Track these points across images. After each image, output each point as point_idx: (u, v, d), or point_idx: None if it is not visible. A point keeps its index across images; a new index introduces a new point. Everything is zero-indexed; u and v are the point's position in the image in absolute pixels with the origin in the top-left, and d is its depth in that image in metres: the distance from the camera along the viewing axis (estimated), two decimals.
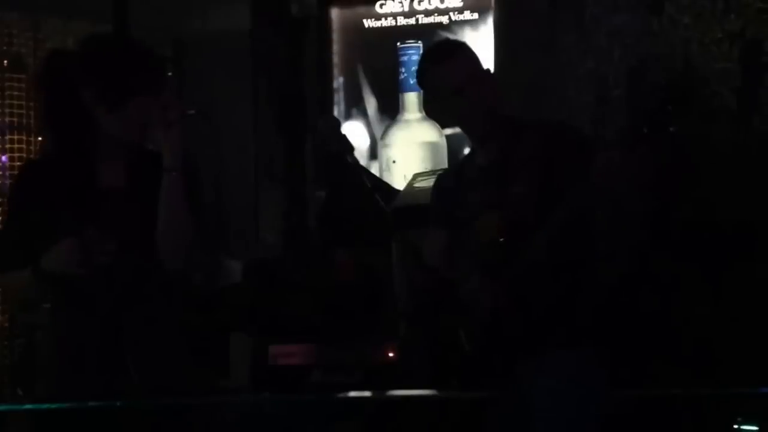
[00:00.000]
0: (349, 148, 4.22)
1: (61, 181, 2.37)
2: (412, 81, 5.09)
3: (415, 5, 5.17)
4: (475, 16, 5.07)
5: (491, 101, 2.77)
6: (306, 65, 5.41)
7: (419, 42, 5.03)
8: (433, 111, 3.26)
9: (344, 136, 4.33)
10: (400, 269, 3.91)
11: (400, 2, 5.19)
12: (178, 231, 2.39)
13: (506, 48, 4.74)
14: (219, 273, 4.51)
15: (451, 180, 2.95)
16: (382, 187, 4.56)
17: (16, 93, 5.30)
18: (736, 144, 4.04)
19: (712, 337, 3.66)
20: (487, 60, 5.03)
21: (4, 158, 5.23)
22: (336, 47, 5.35)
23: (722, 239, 3.76)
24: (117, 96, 2.36)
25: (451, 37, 5.05)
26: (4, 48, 5.25)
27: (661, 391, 3.35)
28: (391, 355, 3.87)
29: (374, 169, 5.01)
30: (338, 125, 4.38)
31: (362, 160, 4.99)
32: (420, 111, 5.01)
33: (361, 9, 5.30)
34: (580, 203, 2.54)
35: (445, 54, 2.82)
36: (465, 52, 2.85)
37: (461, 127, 2.91)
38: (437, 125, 4.93)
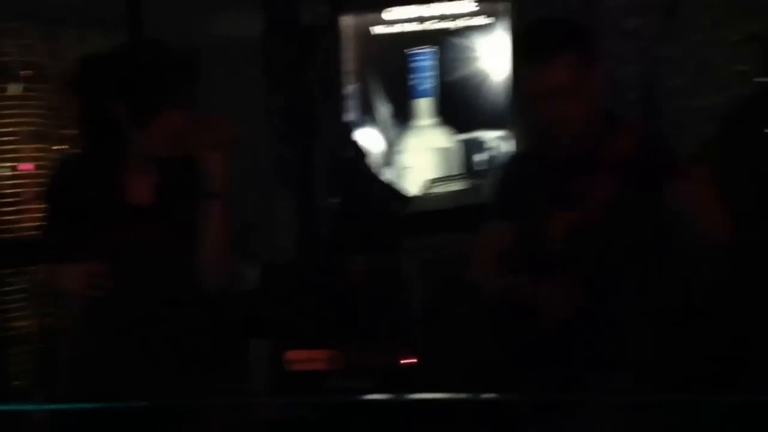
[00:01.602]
0: (362, 154, 4.27)
1: (90, 186, 2.35)
2: (423, 87, 5.15)
3: (425, 11, 5.21)
4: (491, 20, 5.08)
5: (597, 99, 2.41)
6: (317, 72, 5.46)
7: (429, 48, 5.08)
8: (528, 113, 2.68)
9: (356, 142, 4.39)
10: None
11: (410, 8, 5.23)
12: (224, 255, 2.35)
13: None
14: (236, 279, 4.57)
15: (524, 173, 2.61)
16: (395, 193, 4.61)
17: (35, 102, 5.36)
18: None
19: None
20: (500, 67, 5.07)
21: (28, 166, 5.29)
22: (347, 54, 5.40)
23: None
24: (145, 111, 2.31)
25: (465, 42, 5.08)
26: (24, 58, 5.31)
27: None
28: (405, 359, 3.91)
29: (387, 176, 5.06)
30: (350, 132, 4.43)
31: (375, 166, 5.05)
32: (432, 116, 5.06)
33: (371, 16, 5.35)
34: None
35: (550, 52, 2.36)
36: (573, 44, 2.39)
37: (557, 128, 2.45)
38: (450, 131, 4.98)
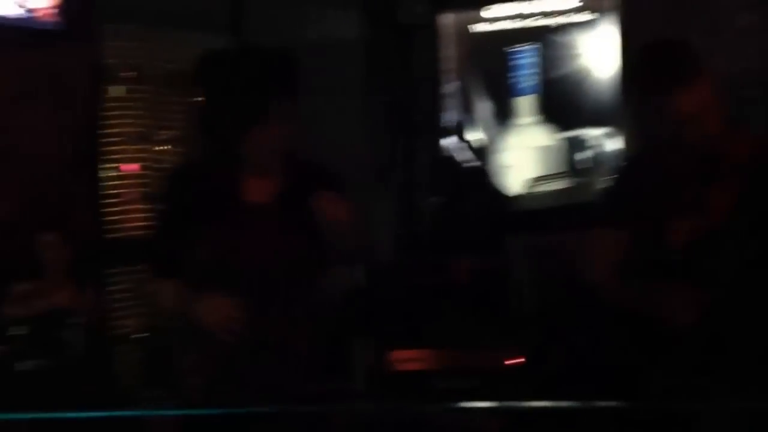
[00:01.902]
0: (463, 153, 4.22)
1: (206, 191, 2.36)
2: (525, 84, 5.07)
3: (526, 8, 5.13)
4: (595, 16, 4.97)
5: (719, 124, 2.40)
6: (416, 72, 5.44)
7: (531, 45, 5.00)
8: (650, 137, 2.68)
9: (457, 141, 4.34)
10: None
11: (512, 5, 5.16)
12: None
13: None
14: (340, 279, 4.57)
15: (642, 179, 2.56)
16: (497, 192, 4.55)
17: (140, 104, 5.46)
18: None
19: None
20: (602, 65, 4.96)
21: (132, 167, 5.39)
22: (446, 53, 5.35)
23: None
24: (249, 115, 2.30)
25: (568, 39, 4.99)
26: (127, 60, 5.41)
27: None
28: (509, 360, 3.85)
29: (489, 175, 5.00)
30: (451, 131, 4.39)
31: (476, 165, 4.99)
32: (533, 114, 4.99)
33: (470, 14, 5.30)
34: None
35: (676, 80, 2.35)
36: (701, 63, 2.39)
37: (689, 142, 2.42)
38: (552, 129, 4.90)
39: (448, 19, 5.32)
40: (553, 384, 3.51)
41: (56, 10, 4.80)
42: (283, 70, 2.36)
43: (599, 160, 4.98)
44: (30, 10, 4.74)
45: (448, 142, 5.03)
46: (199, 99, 2.37)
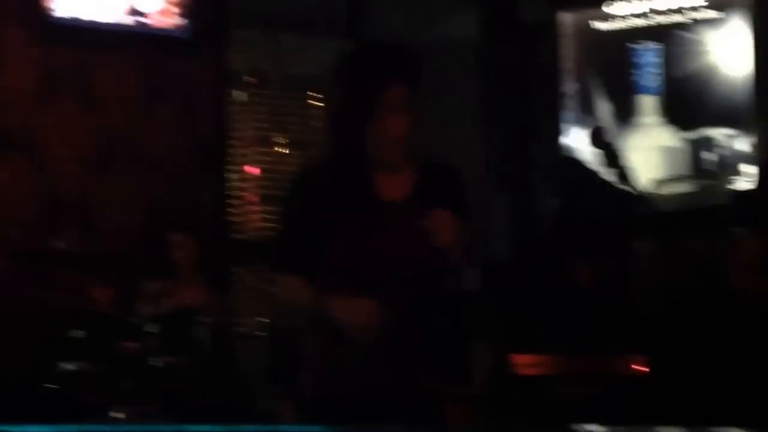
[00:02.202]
0: (618, 157, 4.11)
1: (337, 189, 2.37)
2: (648, 83, 4.97)
3: (650, 5, 5.02)
4: (721, 15, 4.82)
5: None
6: (536, 70, 5.39)
7: (654, 43, 4.90)
8: None
9: (611, 144, 4.25)
10: None
11: (634, 3, 5.06)
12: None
13: None
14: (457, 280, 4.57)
15: None
16: (620, 193, 4.47)
17: (262, 108, 5.59)
18: None
19: None
20: (730, 63, 4.82)
21: (254, 170, 5.52)
22: (566, 51, 5.28)
23: None
24: (360, 116, 2.32)
25: (693, 37, 4.85)
26: (250, 65, 5.55)
27: None
28: (636, 366, 3.78)
29: (610, 176, 4.91)
30: (605, 133, 4.31)
31: (596, 165, 4.91)
32: (657, 114, 4.88)
33: (592, 11, 5.21)
34: None
35: None
36: None
37: None
38: (676, 129, 4.78)
39: (569, 18, 5.25)
40: (679, 393, 3.43)
41: (185, 19, 4.96)
42: (404, 61, 2.38)
43: (725, 162, 4.83)
44: (161, 19, 4.92)
45: (569, 142, 4.96)
46: (326, 98, 2.41)
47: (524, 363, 3.91)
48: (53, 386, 4.02)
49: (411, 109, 2.35)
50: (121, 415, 3.91)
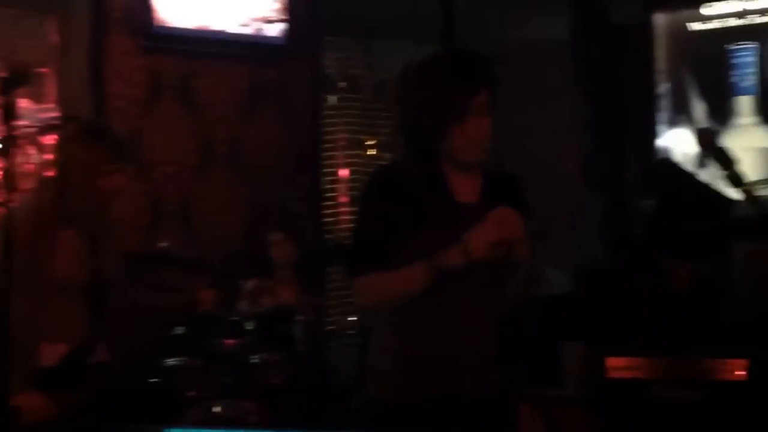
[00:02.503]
0: (730, 160, 4.04)
1: (414, 190, 2.41)
2: (745, 84, 4.90)
3: (746, 5, 4.95)
4: None
5: None
6: (629, 72, 5.36)
7: (751, 43, 4.83)
8: None
9: (722, 147, 4.18)
10: None
11: (729, 2, 4.99)
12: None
13: None
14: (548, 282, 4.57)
15: None
16: (716, 195, 4.42)
17: (353, 112, 5.70)
18: None
19: None
20: None
21: (344, 173, 5.64)
22: (660, 52, 5.24)
23: None
24: (437, 127, 2.39)
25: None
26: (341, 71, 5.66)
27: None
28: (737, 371, 3.71)
29: (705, 177, 4.86)
30: (715, 136, 4.25)
31: (691, 167, 4.86)
32: (754, 115, 4.80)
33: (687, 12, 5.16)
34: None
35: None
36: None
37: None
38: None
39: (663, 18, 5.21)
40: None
41: (282, 26, 5.09)
42: (489, 67, 2.44)
43: None
44: (259, 27, 5.06)
45: (663, 143, 4.93)
46: (404, 100, 2.46)
47: (618, 366, 3.88)
48: (157, 381, 4.17)
49: (486, 111, 2.41)
50: (218, 410, 4.02)
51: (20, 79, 2.18)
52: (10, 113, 2.06)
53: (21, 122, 2.13)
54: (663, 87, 5.20)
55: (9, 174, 2.25)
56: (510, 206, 2.36)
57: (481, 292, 2.44)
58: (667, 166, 4.59)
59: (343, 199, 5.70)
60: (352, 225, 5.53)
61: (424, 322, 2.43)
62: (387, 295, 2.42)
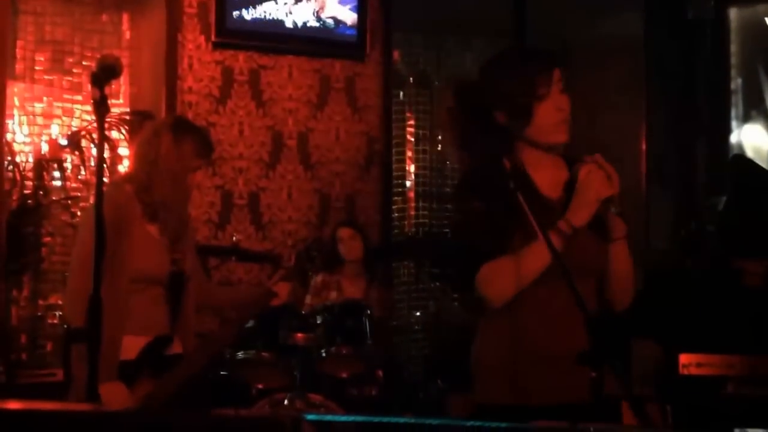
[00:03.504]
0: (756, 152, 4.00)
1: (505, 190, 2.36)
2: None
3: None
4: None
5: None
6: (701, 67, 5.28)
7: None
8: None
9: (744, 139, 4.14)
10: None
11: None
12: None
13: None
14: None
15: None
16: None
17: (422, 107, 5.70)
18: None
19: None
20: None
21: (412, 168, 5.63)
22: (734, 48, 5.15)
23: None
24: (523, 107, 2.37)
25: None
26: (411, 66, 5.66)
27: None
28: None
29: None
30: (737, 128, 4.19)
31: (763, 163, 4.77)
32: None
33: (763, 7, 5.06)
34: None
35: None
36: None
37: None
38: None
39: (737, 13, 5.12)
40: None
41: (353, 23, 5.12)
42: (549, 50, 2.47)
43: None
44: (330, 23, 5.10)
45: (740, 140, 4.84)
46: (486, 91, 2.46)
47: (690, 363, 3.84)
48: (227, 373, 4.23)
49: (564, 90, 2.40)
50: (287, 402, 4.06)
51: (111, 73, 2.21)
52: (102, 106, 2.09)
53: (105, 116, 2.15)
54: (737, 82, 5.11)
55: (99, 168, 2.29)
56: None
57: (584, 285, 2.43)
58: (740, 162, 4.51)
59: (411, 194, 5.70)
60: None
61: (532, 320, 2.41)
62: (515, 278, 2.37)
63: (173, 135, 2.88)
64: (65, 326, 3.05)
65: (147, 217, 2.88)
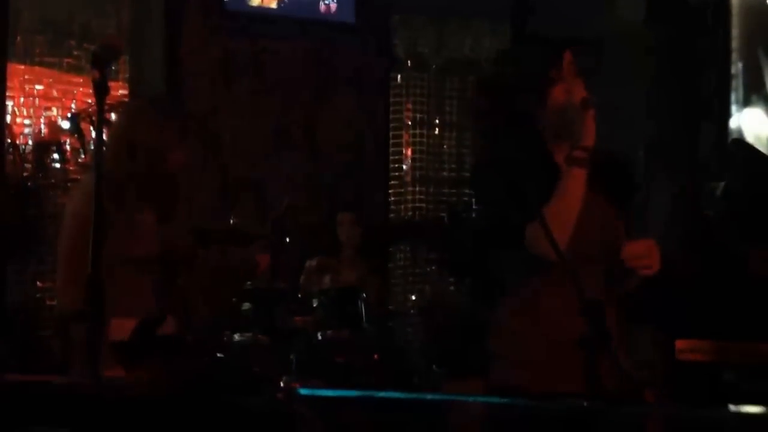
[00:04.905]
0: (753, 136, 3.97)
1: (524, 176, 2.37)
2: None
3: None
4: None
5: None
6: (703, 52, 5.25)
7: None
8: None
9: (746, 123, 4.11)
10: None
11: None
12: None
13: None
14: None
15: None
16: None
17: (418, 90, 5.68)
18: None
19: None
20: None
21: (410, 152, 5.62)
22: (735, 32, 5.12)
23: None
24: (541, 94, 2.37)
25: None
26: (411, 49, 5.62)
27: None
28: None
29: None
30: (739, 112, 4.17)
31: (763, 148, 4.76)
32: None
33: None
34: None
35: None
36: None
37: None
38: None
39: None
40: None
41: (352, 5, 5.11)
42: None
43: None
44: (330, 6, 5.09)
45: (740, 125, 4.83)
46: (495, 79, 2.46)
47: (686, 348, 3.85)
48: (225, 356, 4.23)
49: (580, 73, 2.41)
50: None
51: (111, 55, 2.20)
52: (102, 88, 2.08)
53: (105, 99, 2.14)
54: (738, 66, 5.09)
55: (98, 150, 2.27)
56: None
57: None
58: (740, 146, 4.49)
59: (409, 179, 5.69)
60: (418, 204, 5.57)
61: (555, 306, 2.38)
62: (560, 221, 2.33)
63: (152, 117, 2.87)
64: (60, 311, 3.06)
65: (135, 199, 2.87)
